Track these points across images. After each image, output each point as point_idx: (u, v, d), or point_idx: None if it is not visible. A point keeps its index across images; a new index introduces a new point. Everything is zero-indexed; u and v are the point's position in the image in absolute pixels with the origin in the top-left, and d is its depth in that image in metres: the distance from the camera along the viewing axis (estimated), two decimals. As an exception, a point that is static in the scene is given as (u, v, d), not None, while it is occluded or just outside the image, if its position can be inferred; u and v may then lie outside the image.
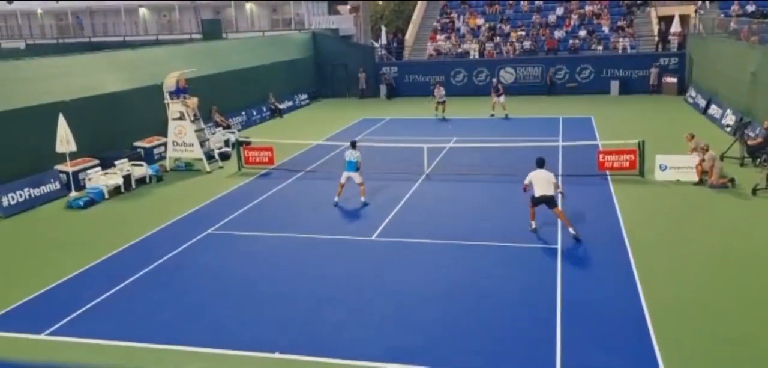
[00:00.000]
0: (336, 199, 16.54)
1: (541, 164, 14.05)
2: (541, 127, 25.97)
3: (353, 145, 16.88)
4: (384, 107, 34.29)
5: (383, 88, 37.68)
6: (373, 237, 14.15)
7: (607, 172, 18.10)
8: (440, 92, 29.50)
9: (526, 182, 13.96)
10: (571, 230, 13.41)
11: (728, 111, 23.85)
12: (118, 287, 11.97)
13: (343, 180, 16.53)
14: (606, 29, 38.24)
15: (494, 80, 31.16)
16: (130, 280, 12.25)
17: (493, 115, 29.15)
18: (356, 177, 16.44)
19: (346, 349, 9.32)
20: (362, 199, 16.49)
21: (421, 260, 12.69)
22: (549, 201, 13.67)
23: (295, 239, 14.24)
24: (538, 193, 13.67)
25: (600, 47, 36.66)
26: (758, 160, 18.22)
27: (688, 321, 9.72)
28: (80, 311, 11.01)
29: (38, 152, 18.80)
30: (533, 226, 14.09)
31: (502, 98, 28.83)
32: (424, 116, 29.82)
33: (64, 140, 18.19)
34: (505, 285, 11.33)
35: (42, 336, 10.20)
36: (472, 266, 12.30)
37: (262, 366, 9.06)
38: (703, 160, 16.85)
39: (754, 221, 14.14)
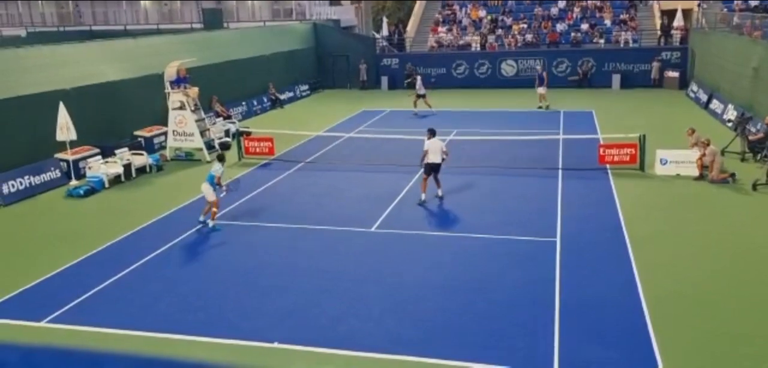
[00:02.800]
0: (203, 218, 14.52)
1: (433, 133, 15.40)
2: (542, 120, 25.95)
3: (220, 159, 14.55)
4: (385, 98, 34.23)
5: (384, 81, 37.63)
6: (373, 229, 14.15)
7: (608, 166, 18.08)
8: (419, 82, 29.07)
9: (425, 148, 15.23)
10: (439, 191, 15.52)
11: (730, 106, 23.80)
12: (118, 276, 11.99)
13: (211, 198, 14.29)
14: (608, 22, 38.12)
15: (544, 73, 30.16)
16: (129, 269, 12.27)
17: (540, 106, 28.84)
18: (209, 193, 14.18)
19: (344, 340, 9.34)
20: (201, 218, 14.42)
21: (420, 253, 12.69)
22: (437, 169, 15.36)
23: (295, 230, 14.25)
24: (431, 160, 15.22)
25: (602, 41, 36.56)
26: (759, 155, 18.21)
27: (686, 316, 9.73)
28: (80, 299, 11.04)
29: (38, 140, 18.80)
30: (423, 198, 15.44)
31: (541, 89, 28.78)
32: (425, 108, 29.75)
33: (65, 128, 18.19)
34: (503, 278, 11.34)
35: (42, 324, 10.23)
36: (472, 259, 12.31)
37: (261, 356, 9.09)
38: (703, 155, 16.83)
39: (754, 216, 14.13)
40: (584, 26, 37.90)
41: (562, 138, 21.70)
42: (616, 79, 34.18)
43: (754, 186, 15.86)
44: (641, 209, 14.79)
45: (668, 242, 12.77)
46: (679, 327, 9.39)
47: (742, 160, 18.40)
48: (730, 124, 22.65)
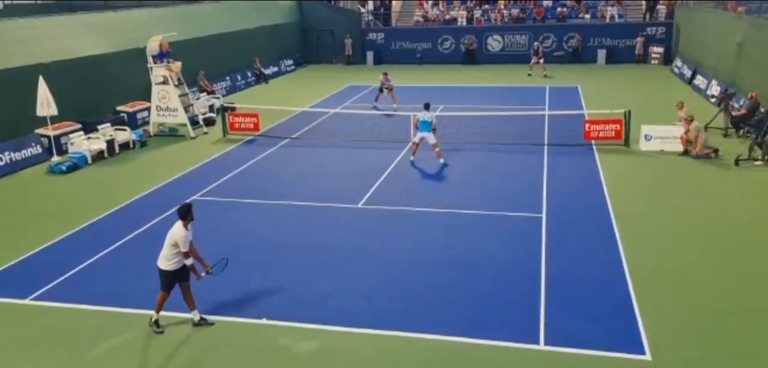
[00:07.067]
0: (411, 158, 17.20)
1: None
2: (528, 96, 25.96)
3: (427, 107, 17.08)
4: (370, 73, 34.02)
5: (370, 55, 37.42)
6: (360, 205, 14.13)
7: (593, 141, 18.17)
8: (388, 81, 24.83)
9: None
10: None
11: (713, 82, 23.97)
12: (103, 253, 11.88)
13: (416, 140, 17.05)
14: (594, -3, 38.09)
15: (535, 44, 33.20)
16: (114, 246, 12.15)
17: (530, 74, 31.04)
18: (430, 138, 16.72)
19: (333, 316, 9.35)
20: (441, 161, 16.74)
21: (407, 229, 12.71)
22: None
23: (281, 207, 14.18)
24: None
25: (587, 16, 36.52)
26: (741, 131, 18.40)
27: (671, 292, 9.85)
28: (65, 276, 10.93)
29: (18, 115, 18.45)
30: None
31: (541, 60, 31.11)
32: (411, 83, 29.67)
33: (45, 103, 17.87)
34: (490, 254, 11.39)
35: (27, 301, 10.13)
36: (458, 234, 12.34)
37: (250, 332, 9.07)
38: (687, 130, 16.96)
39: (737, 191, 14.30)
40: (570, 1, 37.79)
41: (547, 114, 21.75)
42: (601, 54, 34.28)
43: (737, 162, 16.04)
44: (626, 184, 14.90)
45: (653, 217, 12.89)
46: (664, 303, 9.51)
47: (725, 135, 18.58)
48: (713, 99, 22.83)
